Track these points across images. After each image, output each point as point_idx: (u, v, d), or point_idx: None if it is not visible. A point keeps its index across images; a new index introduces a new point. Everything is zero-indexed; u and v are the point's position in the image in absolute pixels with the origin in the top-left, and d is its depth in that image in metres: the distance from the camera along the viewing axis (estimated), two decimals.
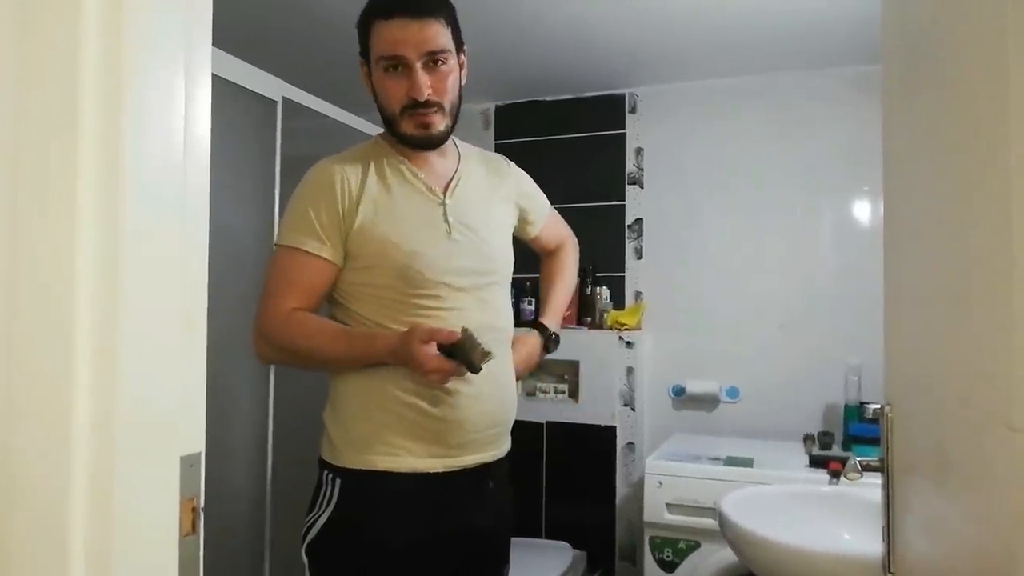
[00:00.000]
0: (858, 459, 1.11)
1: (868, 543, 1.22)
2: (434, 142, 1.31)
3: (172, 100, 0.63)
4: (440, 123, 1.29)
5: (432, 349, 1.19)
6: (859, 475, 1.09)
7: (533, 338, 1.53)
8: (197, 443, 0.67)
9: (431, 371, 1.19)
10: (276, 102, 1.95)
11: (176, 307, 0.64)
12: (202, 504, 0.67)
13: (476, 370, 1.20)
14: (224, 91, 1.77)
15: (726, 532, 1.50)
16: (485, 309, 1.33)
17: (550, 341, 1.55)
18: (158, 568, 0.62)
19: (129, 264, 0.59)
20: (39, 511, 0.57)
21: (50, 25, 0.57)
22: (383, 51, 1.24)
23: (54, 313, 0.57)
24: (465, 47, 1.33)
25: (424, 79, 1.24)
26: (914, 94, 0.97)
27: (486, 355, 1.20)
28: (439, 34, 1.25)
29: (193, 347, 0.66)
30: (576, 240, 1.71)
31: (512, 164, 1.54)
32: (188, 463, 0.65)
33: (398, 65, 1.24)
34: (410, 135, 1.29)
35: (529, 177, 1.57)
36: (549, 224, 1.61)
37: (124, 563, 0.58)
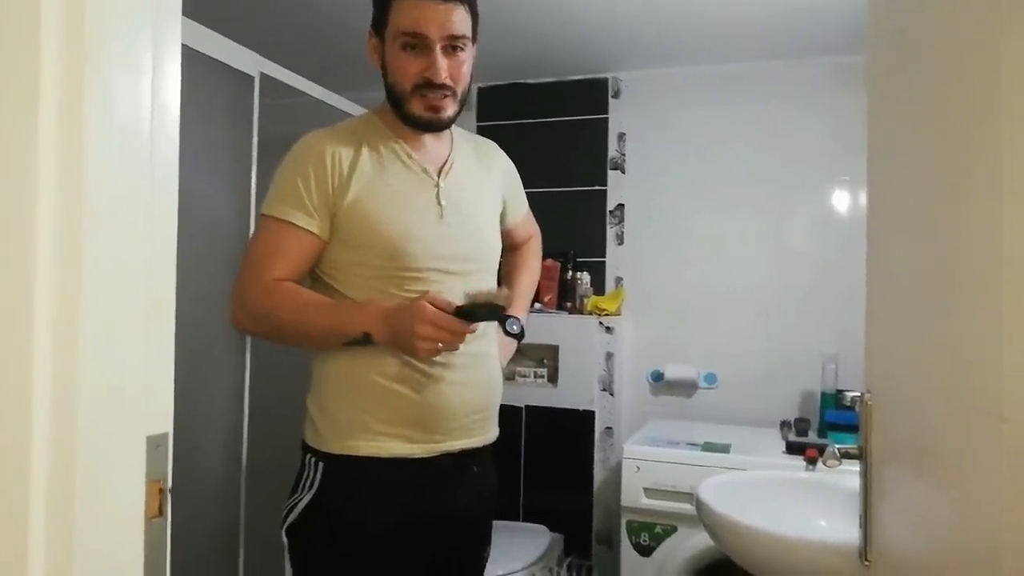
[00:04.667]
0: (838, 447, 1.11)
1: (844, 531, 1.23)
2: (440, 126, 1.30)
3: (137, 73, 0.60)
4: (450, 108, 1.28)
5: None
6: (838, 462, 1.09)
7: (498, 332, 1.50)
8: (164, 423, 0.65)
9: (433, 333, 1.17)
10: (253, 77, 1.91)
11: (142, 285, 0.61)
12: (170, 485, 0.65)
13: (505, 321, 1.22)
14: (199, 65, 1.73)
15: (703, 517, 1.51)
16: None
17: (518, 335, 1.53)
18: (123, 551, 0.60)
19: (91, 242, 0.56)
20: None
21: None
22: (405, 26, 1.22)
23: (12, 291, 0.54)
24: (478, 39, 1.32)
25: (443, 62, 1.23)
26: (901, 82, 0.96)
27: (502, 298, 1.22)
28: (463, 20, 1.24)
29: (161, 326, 0.64)
30: (540, 236, 1.69)
31: (502, 152, 1.53)
32: (155, 443, 0.63)
33: (416, 44, 1.22)
34: (418, 115, 1.27)
35: (514, 168, 1.55)
36: (525, 218, 1.61)
37: (86, 546, 0.56)
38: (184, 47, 1.77)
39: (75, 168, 0.55)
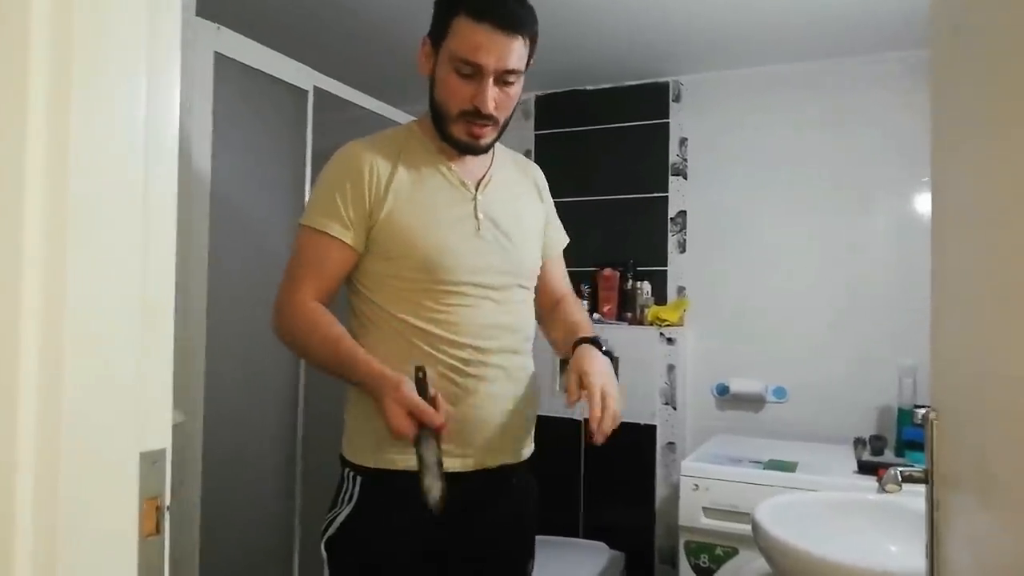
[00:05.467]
0: (900, 469, 1.01)
1: (917, 557, 1.13)
2: (477, 152, 1.29)
3: (129, 73, 0.59)
4: (490, 136, 1.27)
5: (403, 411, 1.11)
6: (898, 487, 1.00)
7: (594, 350, 1.33)
8: (161, 439, 0.63)
9: (395, 426, 1.11)
10: (307, 91, 1.94)
11: (135, 295, 0.60)
12: (167, 503, 0.64)
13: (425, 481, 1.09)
14: (253, 81, 1.77)
15: (759, 541, 1.42)
16: (509, 309, 1.30)
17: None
18: (114, 570, 0.59)
19: (77, 249, 0.55)
20: None
21: None
22: (462, 52, 1.19)
23: None
24: (532, 63, 1.29)
25: (493, 92, 1.21)
26: (966, 76, 0.88)
27: (431, 487, 1.09)
28: (520, 54, 1.21)
29: (157, 338, 0.63)
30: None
31: (540, 170, 1.48)
32: (150, 460, 0.62)
33: (471, 70, 1.20)
34: (458, 139, 1.26)
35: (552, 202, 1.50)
36: (557, 262, 1.50)
37: (73, 566, 0.55)
38: (238, 63, 1.80)
39: (59, 178, 0.54)
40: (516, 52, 1.20)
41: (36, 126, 0.53)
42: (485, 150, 1.30)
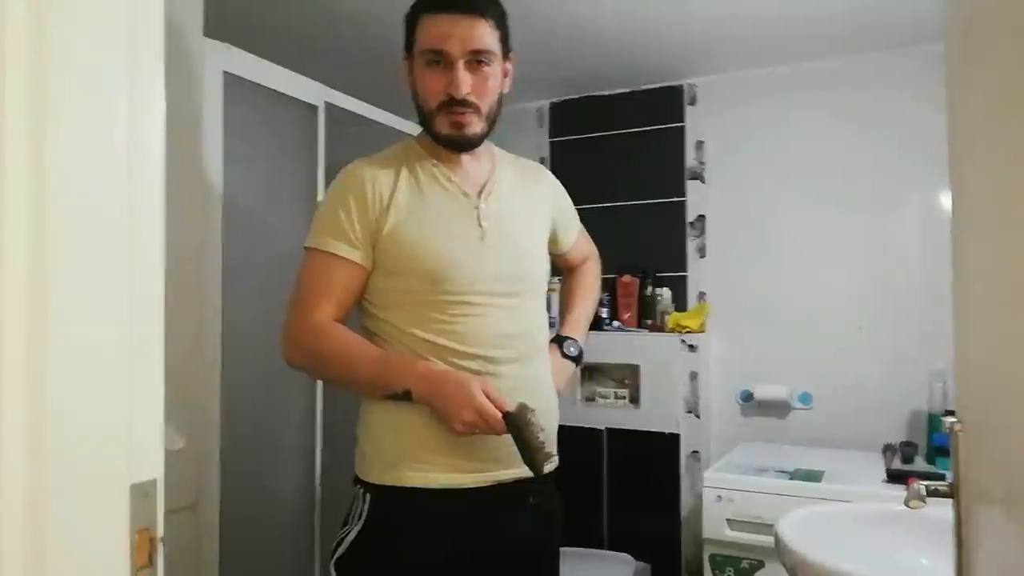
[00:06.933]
0: (925, 484, 0.97)
1: (949, 572, 1.08)
2: (467, 143, 1.27)
3: (109, 98, 0.58)
4: (475, 125, 1.25)
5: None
6: (922, 504, 0.96)
7: (555, 355, 1.43)
8: (152, 470, 0.62)
9: (474, 421, 1.14)
10: (318, 107, 1.94)
11: (122, 323, 0.59)
12: (160, 534, 0.63)
13: (528, 451, 1.15)
14: (263, 98, 1.77)
15: (783, 556, 1.38)
16: (518, 317, 1.28)
17: (576, 357, 1.47)
18: None
19: (59, 282, 0.54)
20: None
21: None
22: (427, 44, 1.22)
23: None
24: (512, 54, 1.30)
25: (465, 77, 1.21)
26: (981, 68, 0.84)
27: (540, 445, 1.15)
28: (486, 34, 1.22)
29: (147, 367, 0.62)
30: (599, 256, 1.63)
31: (549, 173, 1.49)
32: (141, 492, 0.61)
33: (440, 60, 1.21)
34: (444, 134, 1.25)
35: (564, 189, 1.50)
36: (579, 239, 1.55)
37: None
38: (248, 82, 1.80)
39: (38, 209, 0.53)
40: (481, 33, 1.21)
41: (14, 156, 0.53)
42: (475, 141, 1.28)
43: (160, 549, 0.63)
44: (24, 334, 0.53)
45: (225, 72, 1.63)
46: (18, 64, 0.53)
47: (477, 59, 1.22)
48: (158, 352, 0.63)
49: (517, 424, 1.14)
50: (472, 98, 1.22)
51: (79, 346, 0.56)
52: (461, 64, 1.21)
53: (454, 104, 1.22)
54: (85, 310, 0.57)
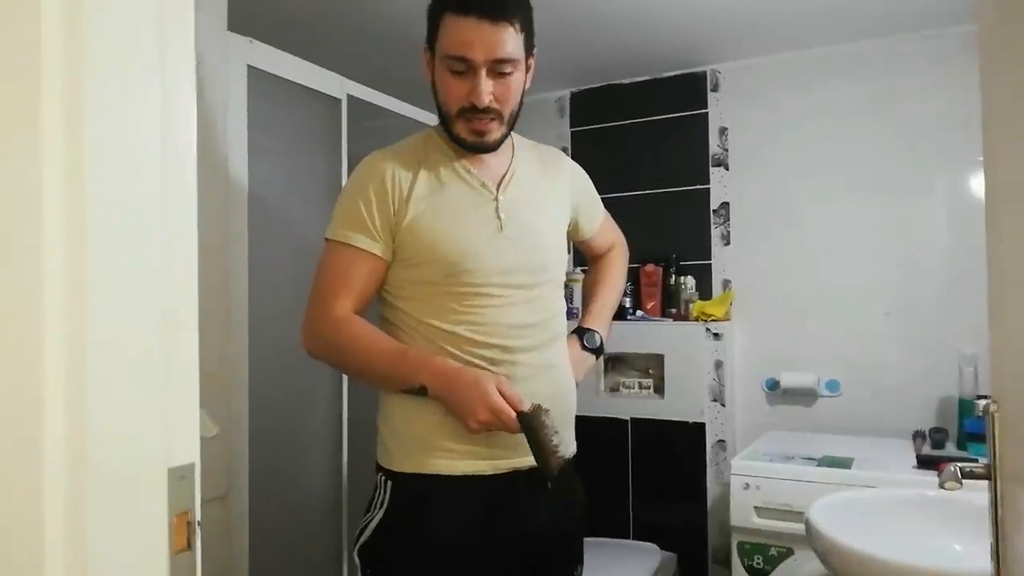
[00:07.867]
0: (961, 466, 0.96)
1: (983, 557, 1.07)
2: (487, 148, 1.27)
3: (142, 86, 0.59)
4: (496, 131, 1.25)
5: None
6: (958, 485, 0.94)
7: (574, 347, 1.43)
8: (189, 454, 0.63)
9: (489, 419, 1.14)
10: (340, 100, 1.95)
11: (157, 310, 0.60)
12: (198, 518, 0.64)
13: (542, 453, 1.16)
14: (287, 92, 1.78)
15: (814, 543, 1.37)
16: (535, 308, 1.28)
17: (596, 349, 1.46)
18: None
19: (97, 267, 0.55)
20: (6, 534, 0.54)
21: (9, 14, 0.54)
22: (450, 50, 1.19)
23: (19, 319, 0.54)
24: (535, 50, 1.28)
25: (487, 86, 1.19)
26: (1016, 46, 0.82)
27: (554, 448, 1.15)
28: (510, 41, 1.19)
29: (181, 352, 0.62)
30: (626, 244, 1.61)
31: (568, 159, 1.47)
32: (178, 475, 0.62)
33: (463, 67, 1.19)
34: (463, 139, 1.25)
35: (585, 174, 1.49)
36: (603, 225, 1.54)
37: None
38: (272, 75, 1.81)
39: (78, 196, 0.54)
40: (506, 40, 1.18)
41: (52, 144, 0.53)
42: (495, 146, 1.27)
43: (199, 533, 0.63)
44: (64, 324, 0.54)
45: (249, 66, 1.65)
46: (54, 61, 0.53)
47: (500, 68, 1.20)
48: (192, 339, 0.64)
49: (531, 425, 1.14)
50: (495, 106, 1.21)
51: (119, 333, 0.57)
52: (484, 72, 1.19)
53: (476, 112, 1.21)
54: (124, 297, 0.57)
